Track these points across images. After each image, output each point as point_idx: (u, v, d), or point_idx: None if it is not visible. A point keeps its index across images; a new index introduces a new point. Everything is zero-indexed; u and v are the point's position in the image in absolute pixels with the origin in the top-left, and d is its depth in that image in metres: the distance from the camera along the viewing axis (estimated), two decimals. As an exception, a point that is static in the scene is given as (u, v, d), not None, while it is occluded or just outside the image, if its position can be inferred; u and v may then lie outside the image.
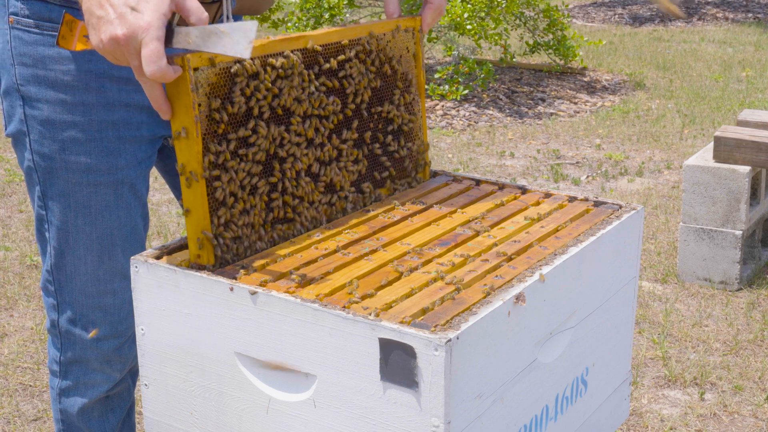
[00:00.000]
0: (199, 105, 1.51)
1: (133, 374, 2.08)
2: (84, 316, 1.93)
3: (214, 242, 1.54)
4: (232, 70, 1.55)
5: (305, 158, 1.69)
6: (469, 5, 7.07)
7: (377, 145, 1.84)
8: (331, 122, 1.73)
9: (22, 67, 1.80)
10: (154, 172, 4.37)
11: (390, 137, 1.86)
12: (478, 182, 1.99)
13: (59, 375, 2.00)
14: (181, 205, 1.59)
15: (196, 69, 1.50)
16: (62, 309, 1.94)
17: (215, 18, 1.91)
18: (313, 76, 1.69)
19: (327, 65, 1.71)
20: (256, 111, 1.60)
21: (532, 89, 7.67)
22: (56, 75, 1.78)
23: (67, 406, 2.02)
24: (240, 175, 1.58)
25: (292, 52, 1.65)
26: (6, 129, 1.88)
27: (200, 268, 1.54)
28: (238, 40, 1.38)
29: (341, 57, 1.74)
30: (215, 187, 1.55)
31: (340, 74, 1.74)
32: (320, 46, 1.70)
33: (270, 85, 1.61)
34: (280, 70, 1.62)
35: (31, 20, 1.78)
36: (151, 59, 1.40)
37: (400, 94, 1.87)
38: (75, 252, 1.88)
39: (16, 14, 1.79)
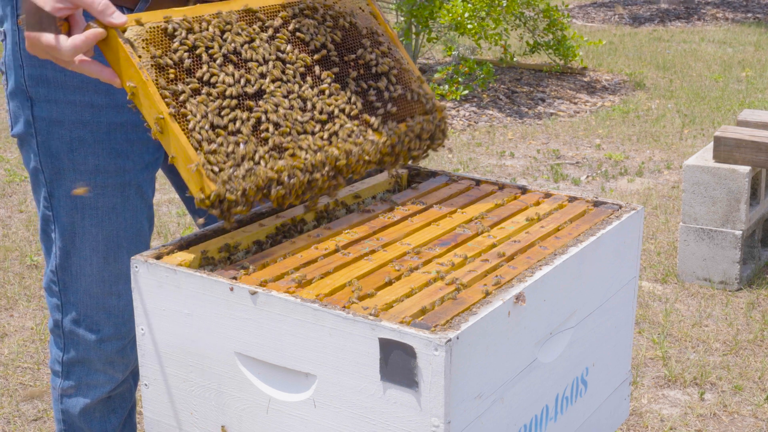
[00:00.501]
0: (140, 57, 1.53)
1: (135, 375, 2.08)
2: (88, 317, 1.93)
3: (206, 167, 1.52)
4: (161, 27, 1.57)
5: (279, 91, 1.66)
6: (469, 5, 7.07)
7: (364, 86, 1.79)
8: (298, 67, 1.70)
9: (30, 68, 1.80)
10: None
11: (379, 82, 1.81)
12: (478, 182, 1.98)
13: (61, 375, 2.00)
14: (166, 168, 1.57)
15: (123, 30, 1.52)
16: (66, 309, 1.94)
17: None
18: (258, 29, 1.68)
19: (271, 21, 1.70)
20: (205, 57, 1.60)
21: (532, 89, 7.67)
22: (65, 77, 1.79)
23: (68, 406, 2.02)
24: (211, 106, 1.57)
25: (226, 12, 1.66)
26: (12, 129, 1.88)
27: (211, 205, 1.53)
28: None
29: (284, 14, 1.73)
30: (188, 120, 1.54)
31: (290, 28, 1.72)
32: (259, 7, 1.70)
33: (212, 35, 1.61)
34: (217, 25, 1.63)
35: None
36: (53, 49, 1.50)
37: (371, 44, 1.83)
38: (81, 253, 1.89)
39: None
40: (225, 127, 1.57)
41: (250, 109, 1.62)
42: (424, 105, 1.87)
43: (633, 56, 9.15)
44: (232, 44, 1.63)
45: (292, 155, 1.64)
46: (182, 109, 1.54)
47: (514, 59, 8.07)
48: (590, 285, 1.68)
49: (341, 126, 1.72)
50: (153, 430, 1.63)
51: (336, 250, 1.63)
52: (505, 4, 7.29)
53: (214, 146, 1.55)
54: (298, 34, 1.73)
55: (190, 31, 1.60)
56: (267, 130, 1.62)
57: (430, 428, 1.33)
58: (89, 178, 1.84)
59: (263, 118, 1.62)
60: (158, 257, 1.58)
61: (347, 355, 1.38)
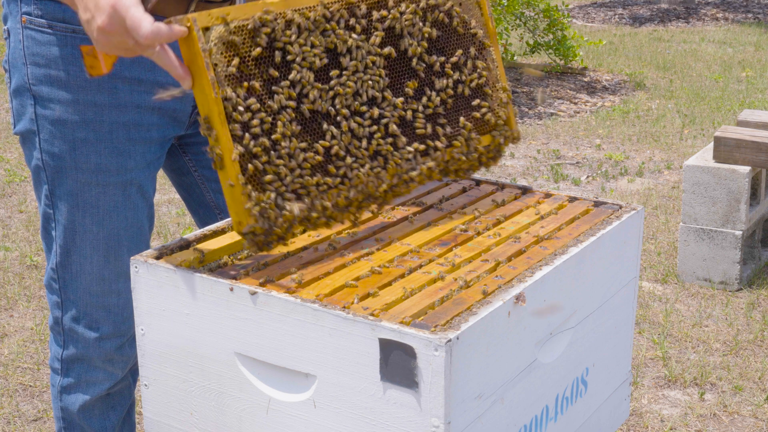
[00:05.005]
0: (215, 65, 1.45)
1: (134, 372, 2.08)
2: (88, 314, 1.94)
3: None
4: (249, 27, 1.48)
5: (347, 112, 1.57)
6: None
7: (443, 96, 1.71)
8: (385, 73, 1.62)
9: (34, 66, 1.81)
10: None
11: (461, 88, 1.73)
12: (478, 182, 1.98)
13: (61, 372, 2.01)
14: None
15: (206, 29, 1.45)
16: (66, 307, 1.94)
17: None
18: (357, 28, 1.59)
19: (370, 14, 1.61)
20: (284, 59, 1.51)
21: (532, 89, 7.67)
22: (69, 76, 1.79)
23: (68, 403, 2.02)
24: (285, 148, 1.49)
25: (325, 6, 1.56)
26: (14, 127, 1.89)
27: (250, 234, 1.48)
28: None
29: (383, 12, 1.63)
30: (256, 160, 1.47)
31: (386, 24, 1.63)
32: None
33: (302, 41, 1.53)
34: (310, 23, 1.53)
35: (44, 20, 1.78)
36: (135, 26, 1.41)
37: (469, 44, 1.73)
38: (81, 251, 1.89)
39: (29, 14, 1.79)
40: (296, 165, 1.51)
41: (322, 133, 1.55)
42: (499, 129, 1.81)
43: (633, 56, 9.15)
44: (321, 48, 1.54)
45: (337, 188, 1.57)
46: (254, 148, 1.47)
47: (515, 59, 8.07)
48: (590, 285, 1.68)
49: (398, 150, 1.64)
50: (153, 430, 1.63)
51: (336, 251, 1.63)
52: (505, 4, 7.29)
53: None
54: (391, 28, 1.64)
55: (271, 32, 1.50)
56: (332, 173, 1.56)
57: (430, 428, 1.33)
58: (91, 176, 1.84)
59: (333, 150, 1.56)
60: (158, 257, 1.58)
61: (347, 355, 1.38)
